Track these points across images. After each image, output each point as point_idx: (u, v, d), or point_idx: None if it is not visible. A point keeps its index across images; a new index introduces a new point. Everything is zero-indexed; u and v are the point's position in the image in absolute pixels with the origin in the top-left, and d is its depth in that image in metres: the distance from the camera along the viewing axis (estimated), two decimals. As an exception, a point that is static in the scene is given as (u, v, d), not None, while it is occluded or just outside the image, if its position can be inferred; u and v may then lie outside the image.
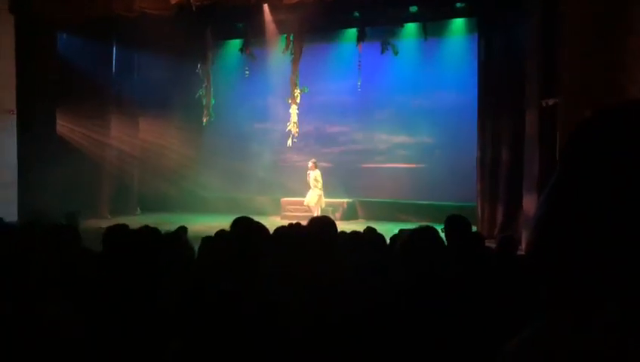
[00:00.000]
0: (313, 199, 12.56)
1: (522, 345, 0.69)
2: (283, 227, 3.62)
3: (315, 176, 12.70)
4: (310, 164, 12.90)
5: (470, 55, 12.52)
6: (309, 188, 12.74)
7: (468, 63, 12.68)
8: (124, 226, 4.31)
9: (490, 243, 5.93)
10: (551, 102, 8.86)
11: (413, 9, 12.46)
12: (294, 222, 4.49)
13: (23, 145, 11.87)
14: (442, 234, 3.49)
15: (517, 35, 10.80)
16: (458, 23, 13.57)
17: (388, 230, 4.98)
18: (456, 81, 13.38)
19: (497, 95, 11.12)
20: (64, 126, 13.04)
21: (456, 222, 3.42)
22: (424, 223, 3.08)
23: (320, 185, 12.66)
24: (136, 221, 8.34)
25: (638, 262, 0.63)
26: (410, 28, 13.47)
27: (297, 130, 13.56)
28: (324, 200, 12.77)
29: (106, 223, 4.77)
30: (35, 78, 12.03)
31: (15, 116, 11.88)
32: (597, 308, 0.64)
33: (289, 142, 13.62)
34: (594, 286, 0.66)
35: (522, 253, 5.38)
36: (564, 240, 0.68)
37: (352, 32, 13.71)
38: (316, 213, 12.09)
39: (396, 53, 13.30)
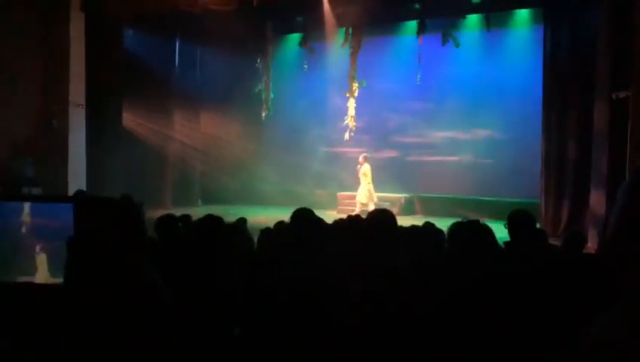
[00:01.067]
0: (363, 195, 12.47)
1: (607, 328, 0.77)
2: (342, 219, 3.61)
3: (364, 170, 12.62)
4: (360, 158, 12.83)
5: (535, 47, 12.11)
6: (359, 183, 12.67)
7: (533, 55, 12.27)
8: (172, 216, 4.43)
9: (554, 241, 5.73)
10: (622, 94, 8.47)
11: (476, 0, 12.15)
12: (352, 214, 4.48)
13: (91, 137, 12.39)
14: (505, 230, 3.41)
15: (585, 25, 10.37)
16: (522, 14, 13.13)
17: (447, 226, 4.89)
18: (520, 73, 12.95)
19: (564, 88, 10.72)
20: (130, 119, 13.50)
21: (520, 217, 3.31)
22: (484, 220, 3.01)
23: (368, 179, 12.54)
24: (197, 212, 8.53)
25: None
26: (472, 19, 13.14)
27: (355, 123, 13.52)
28: (375, 194, 12.62)
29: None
30: (103, 74, 12.51)
31: (84, 110, 12.41)
32: None
33: (346, 136, 13.60)
34: None
35: (589, 251, 5.17)
36: None
37: (412, 24, 13.50)
38: (371, 208, 11.98)
39: (457, 46, 13.00)
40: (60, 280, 1.84)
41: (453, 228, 2.60)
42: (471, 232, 2.49)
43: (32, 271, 2.00)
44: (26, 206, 2.04)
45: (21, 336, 1.91)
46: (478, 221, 2.60)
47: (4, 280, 1.99)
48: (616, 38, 8.67)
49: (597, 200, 9.16)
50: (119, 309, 1.65)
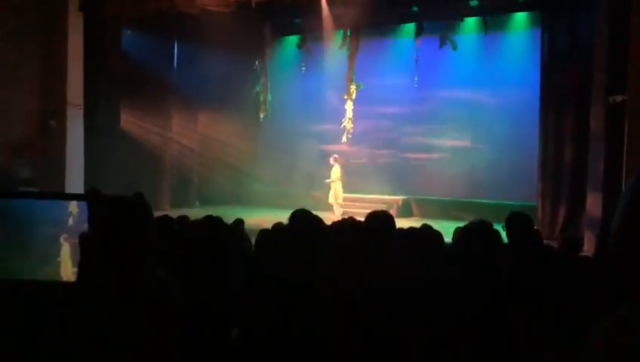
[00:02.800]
0: (330, 196, 12.58)
1: (611, 329, 0.77)
2: (341, 220, 3.62)
3: (333, 171, 12.69)
4: (331, 159, 12.86)
5: (532, 50, 12.16)
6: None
7: (530, 59, 12.31)
8: (169, 217, 4.44)
9: (551, 244, 5.75)
10: (618, 98, 8.51)
11: (474, 3, 12.16)
12: (347, 217, 4.48)
13: (89, 138, 12.37)
14: (503, 232, 3.42)
15: (582, 29, 10.43)
16: (520, 18, 13.17)
17: (444, 228, 4.89)
18: (517, 76, 13.00)
19: (561, 91, 10.77)
20: (128, 120, 13.48)
21: (518, 219, 3.33)
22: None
23: (334, 179, 12.61)
24: (194, 213, 8.53)
25: None
26: (470, 22, 13.18)
27: (352, 126, 13.54)
28: (341, 195, 12.66)
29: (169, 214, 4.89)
30: (101, 74, 12.50)
31: (82, 111, 12.39)
32: None
33: (344, 138, 13.62)
34: None
35: (585, 254, 5.19)
36: None
37: (410, 26, 13.55)
38: (335, 210, 12.34)
39: (455, 48, 13.05)
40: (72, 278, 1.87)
41: (467, 228, 2.61)
42: (481, 233, 2.50)
43: (56, 268, 2.02)
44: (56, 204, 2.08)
45: (38, 334, 1.93)
46: (490, 223, 2.61)
47: (28, 278, 2.02)
48: (613, 42, 8.71)
49: (593, 203, 9.19)
50: (131, 305, 1.67)
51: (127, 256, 1.71)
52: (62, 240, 2.02)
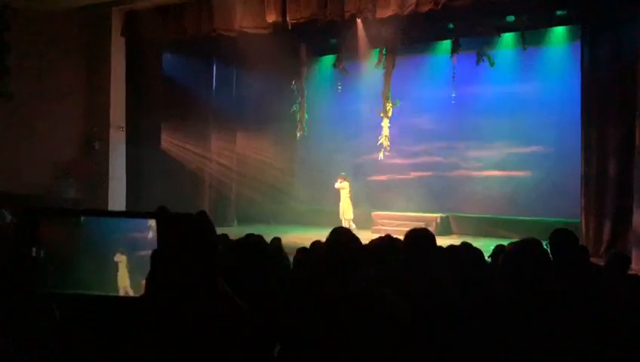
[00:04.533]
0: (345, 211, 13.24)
1: None
2: (379, 238, 3.61)
3: (341, 186, 13.41)
4: (339, 178, 13.50)
5: (572, 64, 11.92)
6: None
7: (570, 73, 12.06)
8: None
9: (597, 261, 5.59)
10: (664, 111, 8.27)
11: (510, 18, 12.04)
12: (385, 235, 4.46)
13: (131, 158, 12.71)
14: (547, 249, 3.35)
15: (623, 41, 10.20)
16: (559, 31, 12.96)
17: (484, 246, 4.80)
18: (557, 91, 12.77)
19: (603, 105, 10.51)
20: (168, 140, 13.77)
21: (562, 236, 3.24)
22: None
23: (343, 196, 13.30)
24: (233, 231, 8.62)
25: None
26: (508, 38, 13.02)
27: (389, 143, 13.49)
28: (348, 211, 13.25)
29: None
30: (143, 96, 12.86)
31: (124, 132, 12.75)
32: None
33: (381, 156, 13.58)
34: None
35: (634, 272, 5.03)
36: None
37: (446, 43, 13.46)
38: (343, 224, 12.71)
39: (492, 64, 12.90)
40: (137, 294, 1.93)
41: (497, 248, 2.57)
42: (531, 252, 2.45)
43: (113, 285, 2.09)
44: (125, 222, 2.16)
45: (103, 349, 1.99)
46: (539, 241, 2.55)
47: (88, 294, 2.09)
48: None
49: (640, 220, 8.92)
50: (200, 320, 1.72)
51: (197, 271, 1.77)
52: (122, 256, 2.08)
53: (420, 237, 2.82)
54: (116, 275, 2.05)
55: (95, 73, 12.69)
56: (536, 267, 2.24)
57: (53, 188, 11.71)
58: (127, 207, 12.11)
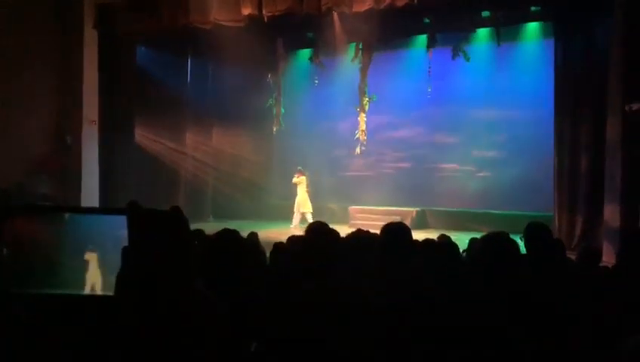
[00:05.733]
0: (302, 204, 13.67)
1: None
2: (354, 232, 3.60)
3: (298, 181, 13.86)
4: (297, 173, 13.94)
5: (546, 60, 12.08)
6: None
7: (544, 68, 12.22)
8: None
9: (569, 255, 5.67)
10: (635, 107, 8.43)
11: (485, 14, 12.14)
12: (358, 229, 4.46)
13: (104, 153, 12.50)
14: (521, 243, 3.38)
15: (596, 37, 10.37)
16: (533, 28, 13.13)
17: (459, 240, 4.85)
18: (531, 86, 12.95)
19: (576, 101, 10.68)
20: (142, 135, 13.59)
21: (536, 229, 3.28)
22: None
23: (300, 190, 13.76)
24: (209, 227, 8.54)
25: None
26: (483, 33, 13.15)
27: (365, 138, 13.52)
28: (305, 203, 13.70)
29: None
30: (116, 90, 12.64)
31: (97, 126, 12.53)
32: None
33: (357, 150, 13.60)
34: None
35: (605, 264, 5.11)
36: None
37: (422, 38, 13.53)
38: (294, 219, 13.64)
39: (468, 60, 13.01)
40: (108, 292, 1.88)
41: (485, 239, 2.59)
42: (499, 243, 2.47)
43: (81, 283, 2.04)
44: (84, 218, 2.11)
45: (71, 349, 1.94)
46: (507, 233, 2.59)
47: (54, 293, 2.03)
48: (629, 50, 8.64)
49: (611, 213, 9.07)
50: (175, 319, 1.69)
51: (169, 267, 1.73)
52: (93, 253, 2.04)
53: (396, 231, 2.82)
54: (85, 274, 2.01)
55: (67, 66, 12.42)
56: (503, 259, 2.26)
57: (25, 184, 11.45)
58: (100, 202, 11.92)
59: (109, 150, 12.52)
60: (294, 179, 13.86)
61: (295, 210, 13.69)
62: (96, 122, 12.49)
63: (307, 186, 13.73)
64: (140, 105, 13.24)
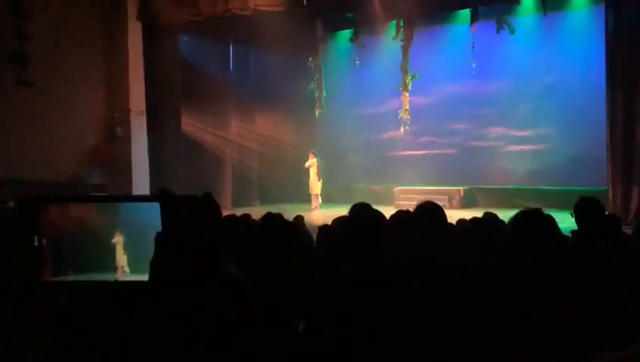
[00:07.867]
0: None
1: None
2: (398, 212, 3.59)
3: (310, 163, 13.83)
4: (310, 155, 13.84)
5: (596, 28, 11.59)
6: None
7: (594, 37, 11.74)
8: (235, 216, 4.51)
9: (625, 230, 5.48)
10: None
11: (530, -17, 11.76)
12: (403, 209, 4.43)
13: (152, 142, 12.80)
14: (572, 219, 3.29)
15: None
16: (581, -6, 12.62)
17: (508, 217, 4.74)
18: (580, 57, 12.44)
19: (629, 69, 10.24)
20: (188, 123, 13.84)
21: (588, 204, 3.18)
22: (549, 209, 2.90)
23: (311, 173, 13.78)
24: (255, 211, 8.67)
25: None
26: (527, 3, 12.71)
27: (409, 117, 13.36)
28: (314, 185, 13.75)
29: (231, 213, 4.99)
30: (161, 80, 12.89)
31: (145, 117, 12.84)
32: None
33: (401, 130, 13.47)
34: None
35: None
36: None
37: (465, 12, 13.21)
38: (312, 200, 13.70)
39: (513, 32, 12.63)
40: (140, 277, 1.94)
41: (516, 218, 2.53)
42: (533, 222, 2.42)
43: (113, 267, 2.12)
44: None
45: (105, 336, 2.02)
46: (540, 210, 2.52)
47: (90, 279, 2.12)
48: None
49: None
50: (207, 305, 1.73)
51: (201, 253, 1.77)
52: (119, 237, 2.10)
53: (427, 211, 2.80)
54: (114, 256, 2.08)
55: (112, 59, 12.75)
56: (539, 235, 2.22)
57: (78, 174, 11.88)
58: (150, 191, 12.24)
59: (158, 139, 12.81)
60: (307, 163, 13.94)
61: (310, 192, 13.88)
62: (144, 113, 12.79)
63: (317, 168, 13.75)
64: (185, 93, 13.46)
